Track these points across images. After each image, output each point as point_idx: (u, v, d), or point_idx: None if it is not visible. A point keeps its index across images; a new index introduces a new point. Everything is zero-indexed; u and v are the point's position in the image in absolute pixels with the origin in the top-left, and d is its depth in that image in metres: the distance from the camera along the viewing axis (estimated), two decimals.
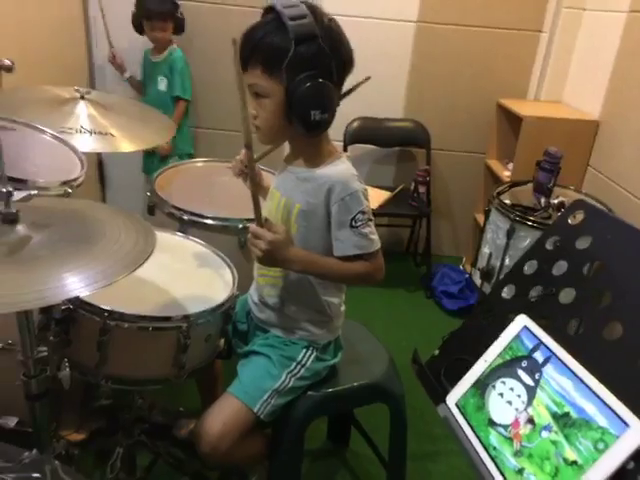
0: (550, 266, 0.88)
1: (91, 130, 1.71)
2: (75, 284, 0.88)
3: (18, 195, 0.96)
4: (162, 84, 2.73)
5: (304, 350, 1.29)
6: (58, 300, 1.03)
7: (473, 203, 3.09)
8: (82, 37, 2.83)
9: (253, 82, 1.12)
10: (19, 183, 1.23)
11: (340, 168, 1.19)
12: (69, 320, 1.17)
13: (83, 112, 1.76)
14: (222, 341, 1.37)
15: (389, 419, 1.41)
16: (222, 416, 1.22)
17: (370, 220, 1.18)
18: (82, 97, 1.80)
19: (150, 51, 2.75)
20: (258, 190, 1.20)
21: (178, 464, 1.57)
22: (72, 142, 1.58)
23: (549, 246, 0.90)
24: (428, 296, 2.84)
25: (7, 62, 1.90)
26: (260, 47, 1.09)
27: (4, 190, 0.93)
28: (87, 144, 1.65)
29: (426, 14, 2.80)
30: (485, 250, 2.19)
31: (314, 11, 1.08)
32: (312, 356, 1.29)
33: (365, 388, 1.34)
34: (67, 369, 1.08)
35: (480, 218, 2.92)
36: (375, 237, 1.18)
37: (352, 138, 2.86)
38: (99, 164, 3.10)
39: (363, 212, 1.16)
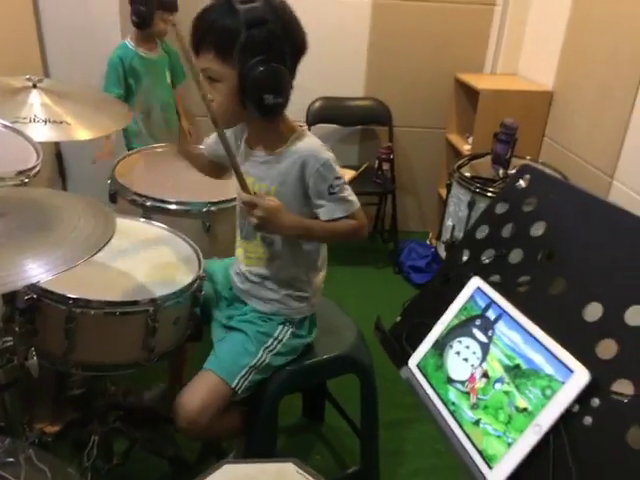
0: (500, 229, 0.92)
1: (45, 119, 1.67)
2: (35, 270, 0.88)
3: None
4: (168, 78, 2.58)
5: (280, 326, 1.32)
6: (18, 286, 1.02)
7: (436, 178, 3.15)
8: (32, 25, 2.74)
9: (206, 66, 1.13)
10: None
11: (308, 141, 1.22)
12: (34, 310, 1.16)
13: (36, 101, 1.72)
14: (191, 324, 1.38)
15: (360, 390, 1.45)
16: (200, 391, 1.24)
17: (345, 184, 1.22)
18: (34, 86, 1.75)
19: (139, 51, 2.49)
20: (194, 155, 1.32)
21: (155, 448, 1.59)
22: (26, 132, 1.54)
23: (499, 210, 0.94)
24: (396, 271, 2.89)
25: None
26: (211, 31, 1.09)
27: None
28: (42, 133, 1.61)
29: None
30: (448, 223, 2.25)
31: None
32: (288, 332, 1.32)
33: (335, 359, 1.38)
34: (34, 358, 1.08)
35: (443, 192, 2.98)
36: (353, 198, 1.23)
37: (314, 118, 2.87)
38: (57, 155, 3.03)
39: (338, 177, 1.20)
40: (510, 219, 0.91)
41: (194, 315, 1.37)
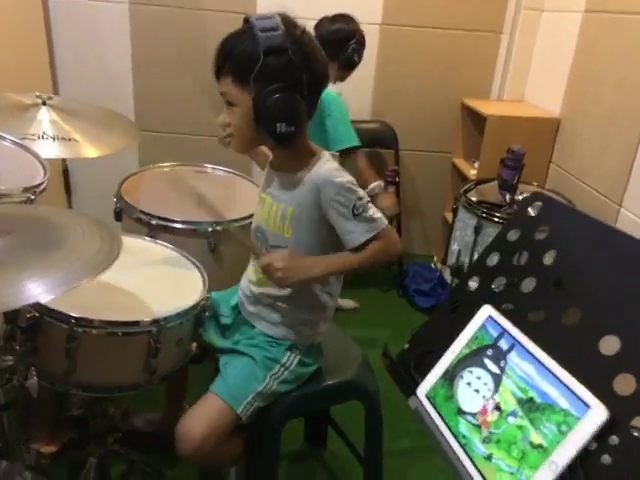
0: (511, 257, 0.90)
1: (54, 136, 1.68)
2: (36, 289, 0.86)
3: None
4: None
5: (288, 352, 1.29)
6: (18, 305, 1.01)
7: (442, 202, 3.14)
8: (43, 44, 2.78)
9: (224, 90, 1.15)
10: None
11: (324, 168, 1.20)
12: (35, 328, 1.14)
13: (45, 118, 1.73)
14: (194, 345, 1.36)
15: (364, 417, 1.42)
16: (205, 416, 1.21)
17: (368, 202, 1.19)
18: (44, 103, 1.77)
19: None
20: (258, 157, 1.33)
21: (153, 471, 1.56)
22: (34, 148, 1.54)
23: (510, 238, 0.93)
24: (401, 295, 2.87)
25: None
26: (231, 56, 1.11)
27: None
28: (50, 150, 1.62)
29: (390, 16, 2.84)
30: (454, 247, 2.23)
31: (288, 24, 1.09)
32: (296, 359, 1.30)
33: (340, 386, 1.35)
34: (34, 378, 1.06)
35: (449, 216, 2.97)
36: (379, 215, 1.20)
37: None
38: (64, 172, 3.04)
39: (360, 198, 1.18)
40: (522, 247, 0.90)
41: (197, 336, 1.35)
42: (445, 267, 2.31)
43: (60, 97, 1.93)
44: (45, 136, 1.65)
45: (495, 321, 0.84)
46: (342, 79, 2.32)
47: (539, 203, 0.91)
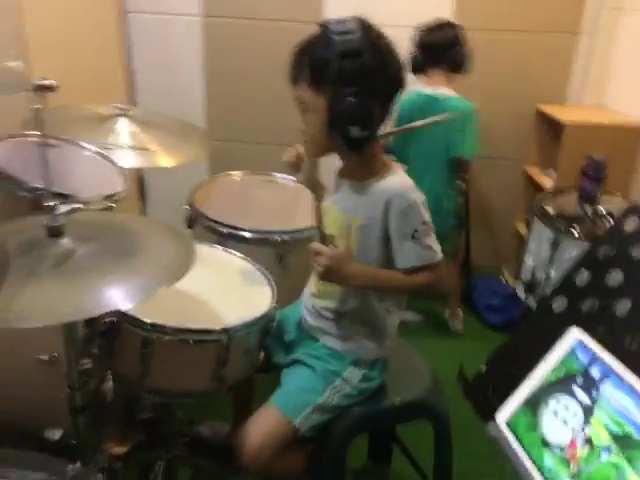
0: (604, 276, 0.84)
1: (132, 146, 1.74)
2: (116, 297, 0.89)
3: (63, 209, 0.97)
4: None
5: (351, 366, 1.27)
6: (98, 313, 1.04)
7: (512, 212, 3.02)
8: (121, 56, 2.91)
9: (299, 95, 1.14)
10: (63, 198, 1.26)
11: (396, 180, 1.18)
12: (113, 333, 1.18)
13: (124, 129, 1.81)
14: (261, 355, 1.36)
15: (433, 437, 1.36)
16: (262, 427, 1.21)
17: (431, 229, 1.16)
18: (122, 114, 1.84)
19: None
20: (319, 193, 1.25)
21: (218, 479, 1.57)
22: (114, 158, 1.61)
23: (602, 255, 0.86)
24: (467, 308, 2.77)
25: (51, 82, 1.97)
26: (307, 60, 1.11)
27: (49, 204, 0.95)
28: (128, 160, 1.68)
29: (461, 18, 2.76)
30: (529, 262, 2.12)
31: (364, 27, 1.08)
32: (359, 374, 1.27)
33: (409, 405, 1.31)
34: (110, 382, 1.09)
35: (520, 227, 2.85)
36: (437, 247, 1.17)
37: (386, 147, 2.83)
38: (139, 180, 3.17)
39: (424, 222, 1.15)
40: (616, 265, 0.83)
41: (264, 346, 1.35)
42: (519, 282, 2.20)
43: (137, 108, 2.00)
44: (124, 146, 1.72)
45: (586, 346, 0.78)
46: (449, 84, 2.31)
47: (636, 217, 0.83)
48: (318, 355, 1.29)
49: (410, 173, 1.22)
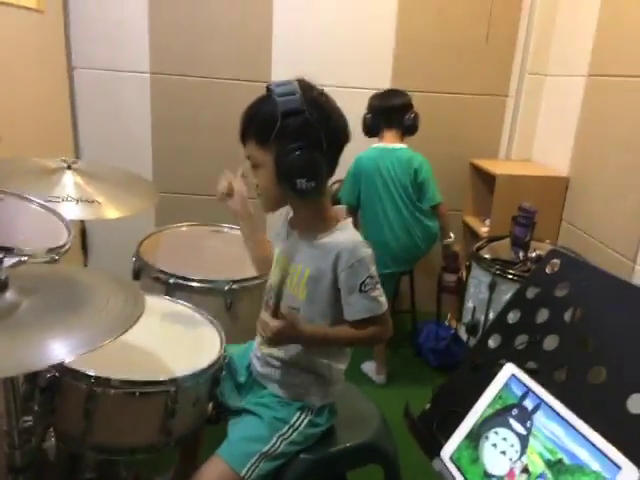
0: (533, 314, 0.91)
1: (78, 198, 1.74)
2: (59, 350, 0.87)
3: (7, 262, 0.96)
4: None
5: (298, 412, 1.28)
6: (40, 367, 1.02)
7: None
8: (67, 110, 2.91)
9: (249, 154, 1.22)
10: (6, 251, 1.24)
11: (346, 235, 1.24)
12: (54, 388, 1.14)
13: (69, 181, 1.80)
14: (210, 406, 1.35)
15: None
16: (208, 479, 1.19)
17: (377, 283, 1.22)
18: (69, 167, 1.84)
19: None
20: (251, 222, 1.41)
21: None
22: (59, 210, 1.59)
23: (530, 295, 0.93)
24: (415, 353, 2.83)
25: None
26: (253, 121, 1.19)
27: None
28: (74, 212, 1.67)
29: (397, 83, 2.96)
30: (469, 304, 2.22)
31: (304, 87, 1.16)
32: (306, 420, 1.28)
33: (359, 448, 1.32)
34: (52, 439, 1.05)
35: (462, 274, 2.97)
36: (383, 299, 1.23)
37: (332, 200, 2.92)
38: (82, 232, 3.11)
39: (371, 277, 1.20)
40: (543, 304, 0.90)
41: (214, 396, 1.34)
42: (460, 325, 2.28)
43: (83, 161, 2.00)
44: (69, 198, 1.71)
45: (519, 380, 0.84)
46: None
47: (557, 260, 0.92)
48: (265, 403, 1.30)
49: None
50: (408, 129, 2.48)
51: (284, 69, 2.89)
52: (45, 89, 2.69)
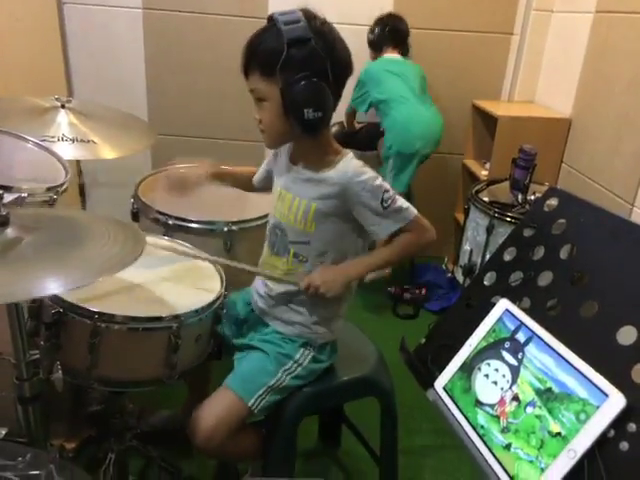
0: (528, 252, 0.92)
1: (73, 138, 1.72)
2: (58, 282, 0.89)
3: (8, 198, 0.96)
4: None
5: (301, 349, 1.31)
6: (40, 295, 1.04)
7: (453, 203, 3.15)
8: (58, 48, 2.83)
9: (253, 87, 1.19)
10: (5, 189, 1.24)
11: (350, 166, 1.23)
12: (59, 324, 1.17)
13: (64, 120, 1.78)
14: (212, 342, 1.39)
15: (380, 415, 1.43)
16: (216, 408, 1.24)
17: (395, 194, 1.24)
18: (62, 106, 1.81)
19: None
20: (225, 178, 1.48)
21: (171, 468, 1.58)
22: (55, 150, 1.58)
23: (527, 233, 0.94)
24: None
25: None
26: (257, 52, 1.16)
27: None
28: (69, 152, 1.66)
29: None
30: (466, 247, 2.24)
31: (309, 16, 1.13)
32: (309, 356, 1.32)
33: (356, 382, 1.37)
34: (59, 372, 1.08)
35: (460, 217, 2.97)
36: (407, 205, 1.25)
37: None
38: (79, 173, 3.08)
39: (386, 190, 1.22)
40: (539, 242, 0.91)
41: (215, 333, 1.38)
42: (457, 267, 2.31)
43: (77, 100, 1.97)
44: (64, 138, 1.69)
45: (512, 314, 0.86)
46: None
47: (556, 198, 0.92)
48: (270, 339, 1.33)
49: None
50: (406, 53, 2.75)
51: (281, 3, 2.79)
52: (35, 25, 2.60)
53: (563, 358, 0.76)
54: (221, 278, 1.40)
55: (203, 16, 2.84)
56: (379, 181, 1.22)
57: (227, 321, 1.41)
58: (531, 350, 0.81)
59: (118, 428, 1.46)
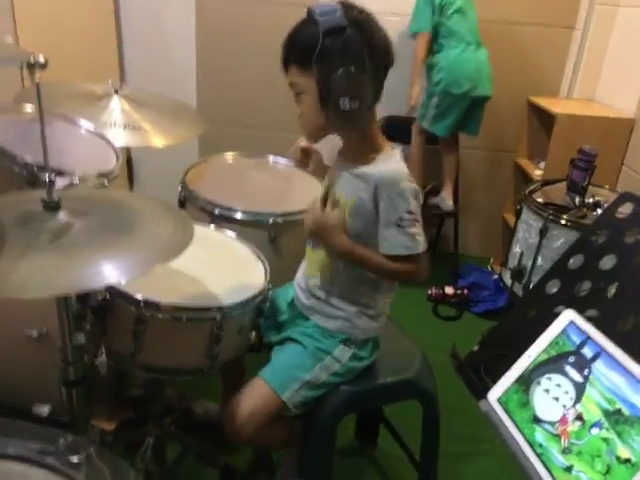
0: (597, 260, 0.86)
1: (124, 124, 1.72)
2: (112, 272, 0.88)
3: (60, 183, 0.96)
4: None
5: (341, 345, 1.28)
6: (95, 287, 1.04)
7: (502, 202, 3.05)
8: (113, 34, 2.87)
9: (291, 81, 1.16)
10: (57, 174, 1.24)
11: (390, 166, 1.18)
12: (106, 309, 1.18)
13: (116, 107, 1.78)
14: (253, 334, 1.37)
15: (421, 417, 1.39)
16: (250, 399, 1.23)
17: (417, 221, 1.16)
18: (115, 92, 1.82)
19: None
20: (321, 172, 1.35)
21: (207, 456, 1.58)
22: (107, 136, 1.59)
23: (596, 240, 0.88)
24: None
25: (41, 59, 1.94)
26: (294, 45, 1.13)
27: (47, 178, 0.94)
28: (121, 138, 1.67)
29: None
30: (516, 249, 2.16)
31: (346, 6, 1.10)
32: (349, 353, 1.28)
33: (399, 384, 1.33)
34: (103, 356, 1.09)
35: (509, 217, 2.88)
36: (421, 239, 1.17)
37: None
38: (128, 161, 3.14)
39: (410, 212, 1.15)
40: (609, 250, 0.85)
41: (257, 325, 1.36)
42: (505, 270, 2.23)
43: (130, 87, 1.98)
44: (116, 124, 1.70)
45: (578, 327, 0.80)
46: None
47: (630, 205, 0.85)
48: (309, 333, 1.30)
49: None
50: None
51: None
52: (91, 12, 2.64)
53: (636, 378, 0.70)
54: (265, 270, 1.38)
55: (256, 3, 2.82)
56: (410, 197, 1.15)
57: (267, 321, 1.39)
58: (599, 367, 0.75)
59: (157, 413, 1.47)
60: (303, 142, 1.33)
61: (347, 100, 1.08)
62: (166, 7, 2.87)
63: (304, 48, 1.10)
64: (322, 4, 1.09)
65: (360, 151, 1.21)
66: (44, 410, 1.38)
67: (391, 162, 1.19)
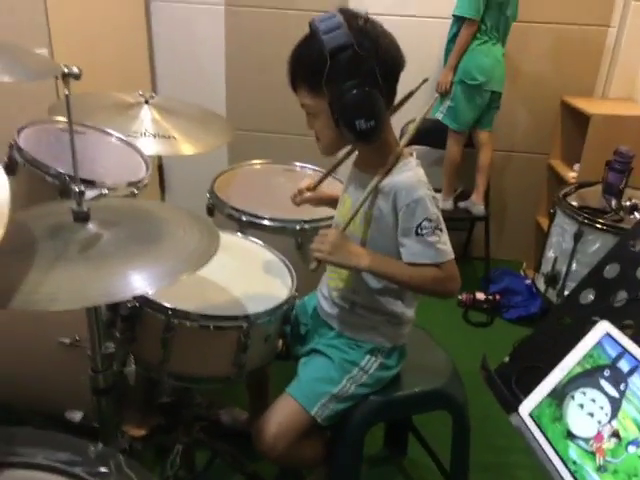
0: (634, 269, 0.82)
1: (155, 133, 1.75)
2: (141, 282, 0.89)
3: (90, 194, 0.98)
4: None
5: (368, 355, 1.26)
6: (124, 297, 1.05)
7: (535, 205, 2.97)
8: (144, 44, 2.92)
9: (303, 102, 1.14)
10: (88, 184, 1.27)
11: (407, 175, 1.15)
12: (135, 317, 1.19)
13: (147, 116, 1.81)
14: (280, 342, 1.37)
15: (451, 427, 1.36)
16: (279, 417, 1.22)
17: (438, 229, 1.12)
18: (146, 101, 1.85)
19: None
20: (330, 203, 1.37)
21: (236, 463, 1.59)
22: (137, 145, 1.62)
23: (633, 248, 0.84)
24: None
25: (75, 70, 1.99)
26: (301, 66, 1.11)
27: (77, 190, 0.96)
28: (151, 147, 1.69)
29: None
30: (550, 254, 2.10)
31: (348, 18, 1.05)
32: (376, 363, 1.27)
33: (427, 394, 1.31)
34: (132, 365, 1.10)
35: (542, 221, 2.81)
36: (444, 247, 1.13)
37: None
38: (159, 168, 3.19)
39: (429, 220, 1.11)
40: None
41: (284, 333, 1.36)
42: (539, 275, 2.18)
43: (160, 96, 2.01)
44: (147, 134, 1.73)
45: (614, 339, 0.77)
46: None
47: None
48: (335, 344, 1.29)
49: None
50: None
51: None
52: (123, 22, 2.70)
53: None
54: (292, 278, 1.38)
55: (285, 12, 2.83)
56: (428, 204, 1.12)
57: (291, 331, 1.39)
58: (636, 382, 0.72)
59: (186, 420, 1.48)
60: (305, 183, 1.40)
61: (362, 122, 1.06)
62: (196, 17, 2.91)
63: (312, 70, 1.07)
64: (324, 16, 1.06)
65: (375, 161, 1.18)
66: (77, 416, 1.41)
67: (406, 171, 1.16)
